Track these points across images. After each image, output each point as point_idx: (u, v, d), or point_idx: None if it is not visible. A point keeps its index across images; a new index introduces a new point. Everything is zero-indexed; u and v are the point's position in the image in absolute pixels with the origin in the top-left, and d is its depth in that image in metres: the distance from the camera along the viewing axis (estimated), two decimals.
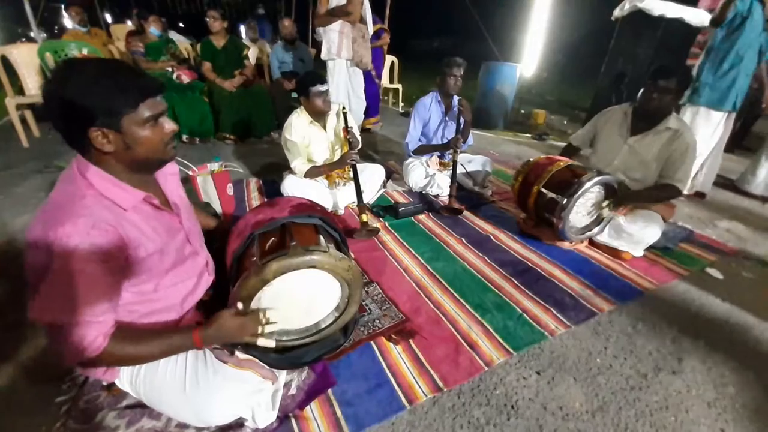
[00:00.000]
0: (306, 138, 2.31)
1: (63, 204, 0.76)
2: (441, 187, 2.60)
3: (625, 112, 2.01)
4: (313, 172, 2.30)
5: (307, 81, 2.17)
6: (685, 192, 2.71)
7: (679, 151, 1.84)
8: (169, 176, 1.02)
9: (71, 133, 0.78)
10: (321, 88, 2.15)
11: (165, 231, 0.92)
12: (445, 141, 2.64)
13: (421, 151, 2.70)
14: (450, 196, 2.42)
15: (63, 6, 4.51)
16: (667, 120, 1.86)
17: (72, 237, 0.72)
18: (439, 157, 2.77)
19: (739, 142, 4.29)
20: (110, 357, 0.80)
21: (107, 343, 0.78)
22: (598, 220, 1.95)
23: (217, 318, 0.92)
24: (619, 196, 1.88)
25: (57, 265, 0.72)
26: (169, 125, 0.86)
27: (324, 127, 2.35)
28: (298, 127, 2.28)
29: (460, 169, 2.63)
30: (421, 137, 2.72)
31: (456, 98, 2.63)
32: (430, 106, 2.65)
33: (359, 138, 2.42)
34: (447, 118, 2.66)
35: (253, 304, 1.03)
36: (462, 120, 2.56)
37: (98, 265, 0.75)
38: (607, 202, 1.87)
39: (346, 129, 2.26)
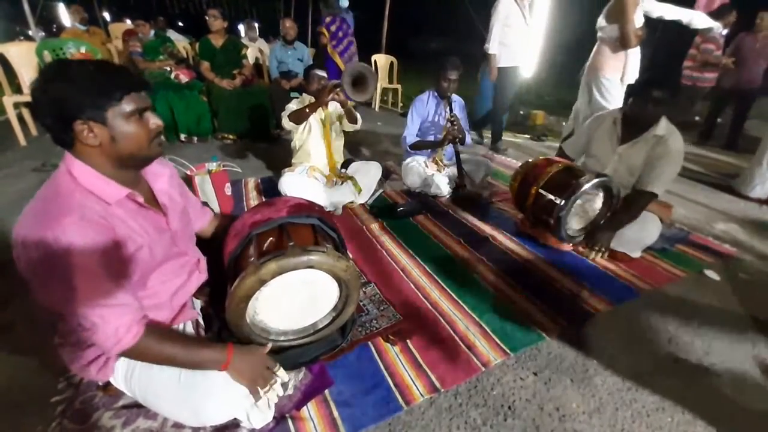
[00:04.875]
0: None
1: (51, 201, 0.78)
2: (440, 188, 2.61)
3: (615, 119, 1.99)
4: (297, 114, 2.28)
5: (311, 65, 2.51)
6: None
7: (658, 156, 1.83)
8: (159, 176, 1.02)
9: (57, 127, 0.79)
10: (321, 73, 2.41)
11: (152, 228, 0.93)
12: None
13: (418, 146, 2.70)
14: (459, 186, 2.52)
15: (64, 4, 4.54)
16: (655, 127, 1.84)
17: (66, 233, 0.73)
18: (435, 155, 2.78)
19: (733, 143, 4.31)
20: (144, 349, 0.84)
21: (144, 332, 0.82)
22: (596, 222, 1.95)
23: (251, 347, 1.00)
24: (594, 238, 1.90)
25: (59, 262, 0.73)
26: (154, 120, 0.87)
27: (323, 111, 2.43)
28: (304, 100, 2.40)
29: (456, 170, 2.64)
30: (419, 134, 2.72)
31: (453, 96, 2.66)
32: (427, 103, 2.68)
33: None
34: (443, 111, 2.68)
35: (251, 305, 1.03)
36: (456, 108, 2.60)
37: (98, 257, 0.77)
38: (593, 254, 1.92)
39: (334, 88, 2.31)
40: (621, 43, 2.74)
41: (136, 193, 0.88)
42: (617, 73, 2.84)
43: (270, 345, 1.06)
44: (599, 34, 2.89)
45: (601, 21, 2.86)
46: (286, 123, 2.28)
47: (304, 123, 2.34)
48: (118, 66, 0.85)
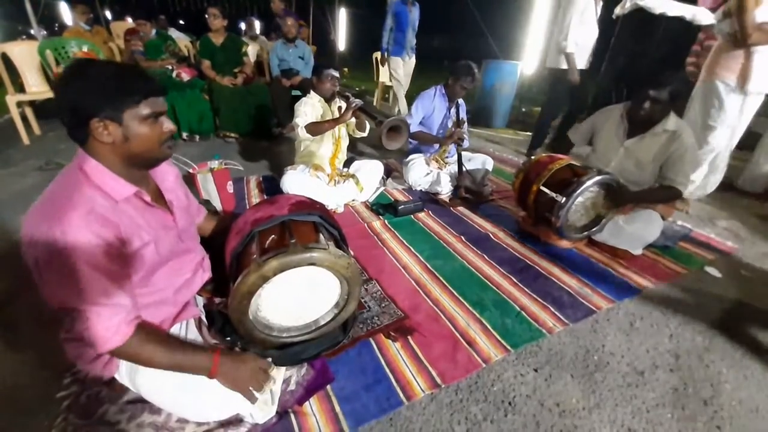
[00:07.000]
0: (318, 116, 2.33)
1: (61, 195, 0.80)
2: (441, 185, 2.61)
3: (622, 113, 2.00)
4: (314, 127, 2.22)
5: (322, 64, 2.36)
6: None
7: (678, 153, 1.83)
8: (166, 175, 1.06)
9: (74, 122, 0.82)
10: (334, 72, 2.32)
11: (158, 226, 0.95)
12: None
13: (418, 136, 2.69)
14: (458, 187, 2.51)
15: (69, 4, 4.57)
16: (664, 122, 1.85)
17: (73, 226, 0.75)
18: (437, 153, 2.78)
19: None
20: (132, 350, 0.84)
21: (132, 332, 0.83)
22: (598, 220, 1.95)
23: (240, 354, 1.01)
24: (619, 197, 1.87)
25: (63, 255, 0.75)
26: (167, 125, 0.90)
27: (332, 112, 2.40)
28: (314, 100, 2.35)
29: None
30: (422, 127, 2.72)
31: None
32: (434, 98, 2.67)
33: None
34: (450, 113, 2.69)
35: (253, 301, 1.04)
36: (462, 112, 2.60)
37: (102, 250, 0.78)
38: (606, 205, 1.86)
39: (340, 94, 2.33)
40: (735, 39, 2.28)
41: (143, 191, 0.91)
42: (732, 76, 2.35)
43: (272, 362, 1.06)
44: (715, 29, 2.49)
45: (717, 14, 2.43)
46: (303, 134, 2.22)
47: (319, 111, 2.33)
48: (141, 70, 0.89)
